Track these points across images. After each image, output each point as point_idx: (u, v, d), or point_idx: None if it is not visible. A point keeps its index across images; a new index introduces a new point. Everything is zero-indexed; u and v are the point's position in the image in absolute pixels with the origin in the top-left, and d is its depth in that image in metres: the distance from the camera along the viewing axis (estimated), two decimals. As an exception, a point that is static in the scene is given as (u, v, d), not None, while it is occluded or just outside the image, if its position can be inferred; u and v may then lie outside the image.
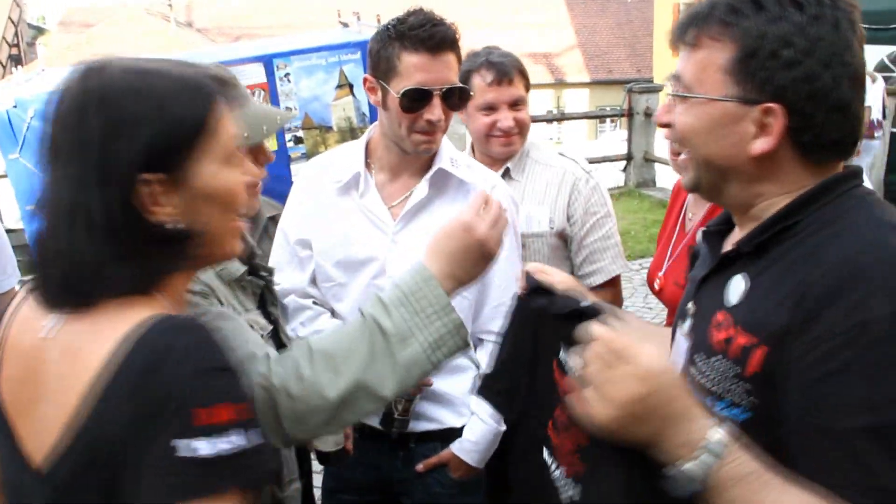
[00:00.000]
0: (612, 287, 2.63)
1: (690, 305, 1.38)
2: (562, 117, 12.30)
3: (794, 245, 1.19)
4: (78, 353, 1.10)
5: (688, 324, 1.38)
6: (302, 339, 2.09)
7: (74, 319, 1.14)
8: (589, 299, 1.38)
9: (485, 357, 2.20)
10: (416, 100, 1.97)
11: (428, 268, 1.41)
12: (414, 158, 2.11)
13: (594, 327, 1.15)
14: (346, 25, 6.29)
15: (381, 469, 2.22)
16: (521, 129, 2.57)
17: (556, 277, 1.55)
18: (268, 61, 5.36)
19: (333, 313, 2.21)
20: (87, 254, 1.12)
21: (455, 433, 2.18)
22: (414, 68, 1.96)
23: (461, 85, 2.04)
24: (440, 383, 2.15)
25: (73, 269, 1.13)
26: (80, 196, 1.12)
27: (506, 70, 2.52)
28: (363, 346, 1.36)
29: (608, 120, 26.25)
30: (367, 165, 2.16)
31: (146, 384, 1.03)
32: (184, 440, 1.00)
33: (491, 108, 2.54)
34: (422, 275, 1.40)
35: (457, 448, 2.16)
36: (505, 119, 2.53)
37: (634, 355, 1.11)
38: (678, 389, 1.12)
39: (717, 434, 1.08)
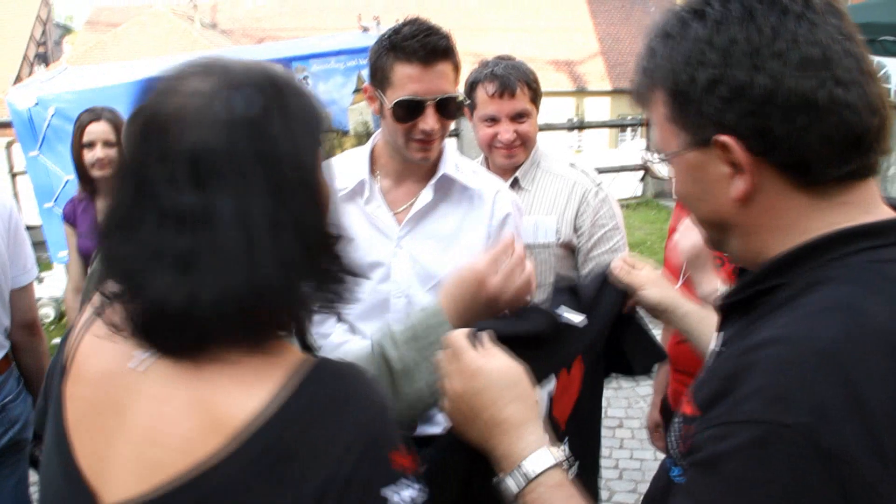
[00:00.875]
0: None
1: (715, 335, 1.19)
2: (581, 126, 12.25)
3: (767, 313, 0.98)
4: (204, 403, 0.97)
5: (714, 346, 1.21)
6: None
7: (179, 361, 1.00)
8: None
9: None
10: (408, 110, 1.99)
11: (441, 308, 1.41)
12: (417, 165, 2.12)
13: (453, 334, 1.25)
14: (366, 30, 6.33)
15: None
16: (524, 141, 2.59)
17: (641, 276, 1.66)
18: (286, 64, 5.41)
19: (339, 318, 2.22)
20: (283, 274, 0.98)
21: (426, 441, 2.15)
22: (407, 79, 1.97)
23: (454, 94, 2.04)
24: None
25: (271, 299, 0.97)
26: (275, 205, 0.97)
27: (507, 83, 2.53)
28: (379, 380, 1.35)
29: (629, 129, 26.16)
30: (372, 172, 2.18)
31: (332, 433, 0.93)
32: (391, 488, 0.94)
33: (493, 120, 2.58)
34: (436, 317, 1.40)
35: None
36: (505, 132, 2.56)
37: (469, 356, 1.19)
38: (511, 397, 1.16)
39: (538, 457, 1.10)
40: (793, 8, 0.96)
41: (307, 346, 1.72)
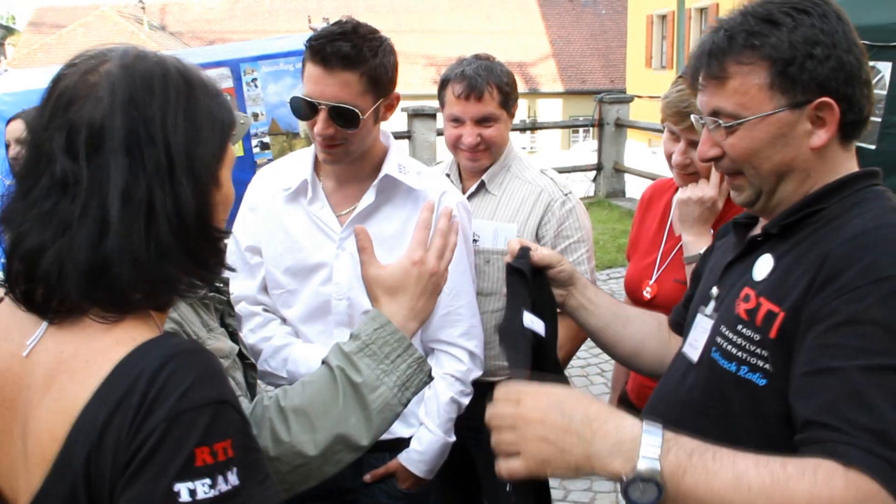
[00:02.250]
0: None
1: (715, 290, 1.52)
2: (533, 127, 12.35)
3: (817, 228, 1.33)
4: (70, 377, 1.01)
5: (711, 305, 1.51)
6: (251, 349, 2.08)
7: (62, 335, 1.05)
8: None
9: (436, 367, 2.18)
10: (301, 109, 1.98)
11: (380, 312, 1.42)
12: (357, 168, 2.10)
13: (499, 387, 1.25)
14: (315, 31, 6.30)
15: (327, 479, 2.20)
16: (489, 146, 2.48)
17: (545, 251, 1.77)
18: (235, 66, 5.33)
19: (284, 321, 2.20)
20: (152, 251, 1.03)
21: (404, 443, 2.16)
22: (307, 78, 1.96)
23: (350, 106, 1.94)
24: None
25: (132, 269, 1.02)
26: (159, 188, 1.04)
27: (474, 85, 2.41)
28: (337, 400, 1.35)
29: (581, 130, 26.43)
30: (317, 173, 2.15)
31: (144, 420, 0.95)
32: (186, 483, 0.94)
33: (458, 121, 2.48)
34: (377, 321, 1.40)
35: (404, 458, 2.14)
36: (468, 135, 2.45)
37: (526, 387, 1.24)
38: (583, 397, 1.20)
39: (650, 425, 1.13)
40: (847, 18, 1.36)
41: (244, 356, 1.70)
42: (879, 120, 8.10)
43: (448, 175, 2.61)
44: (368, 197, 2.09)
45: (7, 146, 3.51)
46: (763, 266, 1.39)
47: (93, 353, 1.01)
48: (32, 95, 5.28)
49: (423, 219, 1.51)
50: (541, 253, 1.75)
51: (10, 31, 36.40)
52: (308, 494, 2.17)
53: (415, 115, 10.08)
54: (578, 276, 1.82)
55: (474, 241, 2.43)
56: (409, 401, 1.41)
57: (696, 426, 1.23)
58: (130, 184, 1.02)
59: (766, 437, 1.20)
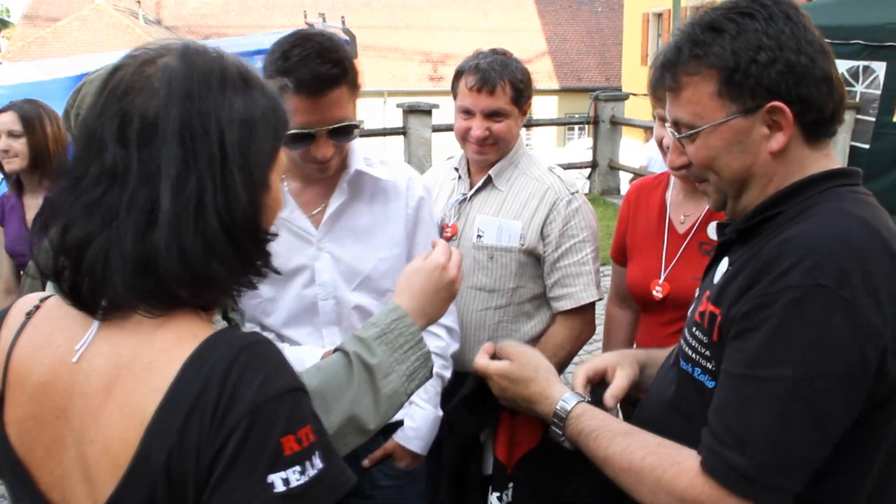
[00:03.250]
0: (581, 314, 2.52)
1: (697, 292, 1.56)
2: (529, 124, 12.36)
3: (770, 232, 1.33)
4: (134, 380, 0.99)
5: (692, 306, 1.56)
6: None
7: (114, 337, 1.03)
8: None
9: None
10: (298, 141, 1.92)
11: (399, 304, 1.46)
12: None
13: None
14: (311, 27, 6.30)
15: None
16: (497, 141, 2.46)
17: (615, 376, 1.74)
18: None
19: (263, 328, 2.17)
20: (200, 245, 1.01)
21: (395, 425, 2.19)
22: (295, 111, 1.81)
23: (349, 121, 1.94)
24: None
25: (179, 262, 1.00)
26: (210, 182, 1.02)
27: (487, 78, 2.40)
28: (351, 383, 1.38)
29: (576, 127, 26.43)
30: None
31: (224, 416, 0.94)
32: (279, 473, 0.95)
33: (468, 113, 2.46)
34: (396, 312, 1.45)
35: (400, 437, 2.17)
36: (477, 128, 2.43)
37: (491, 372, 1.70)
38: (528, 377, 1.64)
39: (563, 404, 1.54)
40: (802, 13, 1.35)
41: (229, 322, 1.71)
42: (873, 119, 8.13)
43: (457, 169, 2.61)
44: (340, 195, 2.09)
45: None
46: (721, 270, 1.42)
47: (154, 353, 1.00)
48: (26, 88, 5.30)
49: (443, 242, 1.58)
50: (618, 387, 1.68)
51: (4, 23, 36.24)
52: None
53: (410, 111, 10.06)
54: (643, 371, 1.74)
55: (479, 236, 2.46)
56: (413, 392, 1.44)
57: (671, 424, 1.41)
58: (182, 175, 1.00)
59: None
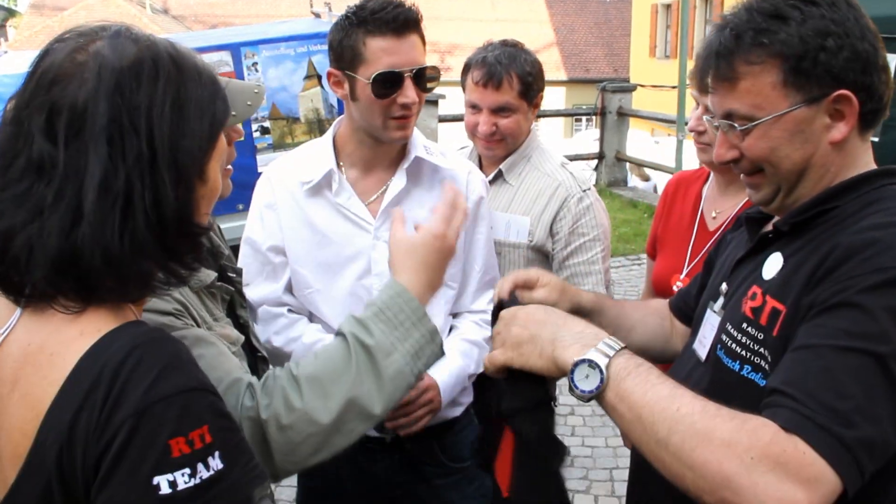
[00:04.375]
0: None
1: (724, 286, 1.49)
2: (536, 115, 12.34)
3: (830, 227, 1.29)
4: (35, 371, 0.98)
5: (720, 302, 1.49)
6: (278, 352, 2.05)
7: (32, 325, 1.01)
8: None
9: (455, 334, 2.17)
10: (387, 84, 1.91)
11: (399, 282, 1.43)
12: (387, 150, 2.06)
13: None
14: (317, 16, 6.27)
15: (377, 475, 2.17)
16: (505, 136, 2.41)
17: (541, 287, 1.65)
18: (235, 50, 5.31)
19: (311, 318, 2.14)
20: (126, 245, 0.99)
21: (448, 425, 2.16)
22: (382, 52, 1.89)
23: (430, 65, 1.97)
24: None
25: (103, 262, 0.98)
26: (138, 181, 1.00)
27: (493, 73, 2.34)
28: (349, 366, 1.34)
29: (584, 119, 26.33)
30: (338, 162, 2.08)
31: (110, 416, 0.92)
32: (164, 476, 0.92)
33: (476, 108, 2.42)
34: (394, 289, 1.41)
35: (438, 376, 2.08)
36: (484, 123, 2.39)
37: (520, 309, 1.42)
38: (561, 313, 1.38)
39: (605, 334, 1.27)
40: (857, 3, 1.32)
41: (253, 349, 1.67)
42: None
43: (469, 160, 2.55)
44: (399, 182, 2.05)
45: None
46: (773, 265, 1.36)
47: (57, 345, 0.99)
48: (31, 77, 5.29)
49: (447, 197, 1.53)
50: (530, 298, 1.61)
51: (11, 13, 36.27)
52: (350, 493, 2.16)
53: (417, 101, 10.02)
54: (581, 304, 1.70)
55: None
56: (420, 372, 1.40)
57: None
58: (109, 174, 0.98)
59: None
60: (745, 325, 1.33)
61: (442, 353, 1.45)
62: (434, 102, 10.07)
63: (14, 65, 6.14)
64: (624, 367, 1.19)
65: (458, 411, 2.19)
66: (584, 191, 2.44)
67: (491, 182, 2.47)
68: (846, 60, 1.26)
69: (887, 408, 1.08)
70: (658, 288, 2.39)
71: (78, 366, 0.95)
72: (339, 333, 1.40)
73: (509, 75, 2.34)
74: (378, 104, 1.92)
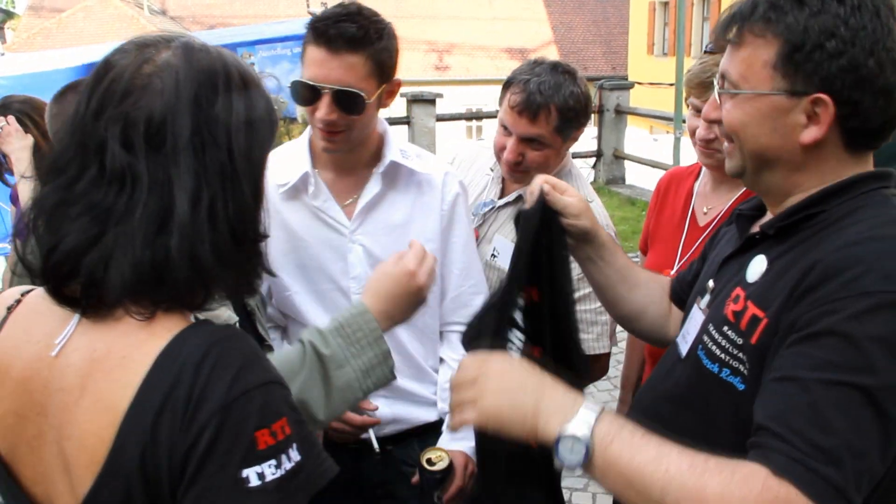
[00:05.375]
0: (593, 362, 2.23)
1: (711, 283, 1.48)
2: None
3: (815, 233, 1.27)
4: (107, 376, 0.98)
5: (706, 299, 1.47)
6: None
7: (92, 332, 1.02)
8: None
9: (449, 351, 2.19)
10: (303, 94, 1.88)
11: (364, 303, 1.47)
12: (356, 156, 2.04)
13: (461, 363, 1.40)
14: (315, 15, 6.27)
15: (360, 474, 2.17)
16: (529, 169, 2.22)
17: (567, 199, 1.65)
18: (232, 50, 5.29)
19: (287, 329, 2.16)
20: (214, 254, 1.02)
21: (427, 427, 2.17)
22: (310, 61, 1.86)
23: (356, 90, 1.85)
24: (410, 384, 2.14)
25: (191, 270, 1.01)
26: (221, 191, 1.03)
27: (530, 103, 2.15)
28: (303, 370, 1.39)
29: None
30: (314, 164, 2.07)
31: (196, 412, 0.93)
32: (253, 468, 0.94)
33: (507, 130, 2.25)
34: (358, 309, 1.46)
35: (447, 443, 2.08)
36: (510, 151, 2.22)
37: (488, 357, 1.38)
38: (533, 368, 1.31)
39: (587, 399, 1.23)
40: (892, 19, 1.24)
41: (259, 336, 1.70)
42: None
43: (492, 170, 2.47)
44: (374, 185, 2.04)
45: None
46: (756, 267, 1.34)
47: (127, 348, 0.99)
48: (27, 79, 5.28)
49: (420, 245, 1.57)
50: (557, 198, 1.63)
51: (9, 14, 36.22)
52: (333, 493, 2.15)
53: (414, 100, 10.03)
54: (598, 233, 1.69)
55: (493, 256, 2.35)
56: (370, 390, 1.44)
57: (677, 419, 1.32)
58: (197, 185, 1.01)
59: (740, 441, 1.18)
60: (725, 329, 1.32)
61: (392, 377, 1.48)
62: (431, 101, 10.06)
63: (11, 67, 6.13)
64: (607, 433, 1.17)
65: (435, 415, 2.20)
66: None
67: (509, 203, 2.37)
68: (840, 69, 1.22)
69: (875, 440, 1.08)
70: None
71: (154, 367, 0.96)
72: (300, 341, 1.44)
73: (547, 109, 2.16)
74: (307, 110, 1.92)
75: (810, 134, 1.26)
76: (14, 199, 3.67)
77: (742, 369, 1.27)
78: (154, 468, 0.94)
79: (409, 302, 1.51)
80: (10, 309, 1.11)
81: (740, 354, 1.28)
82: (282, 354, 1.42)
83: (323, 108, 1.86)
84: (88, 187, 1.00)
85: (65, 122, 1.05)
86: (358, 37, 1.82)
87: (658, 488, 1.10)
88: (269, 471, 0.95)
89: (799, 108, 1.25)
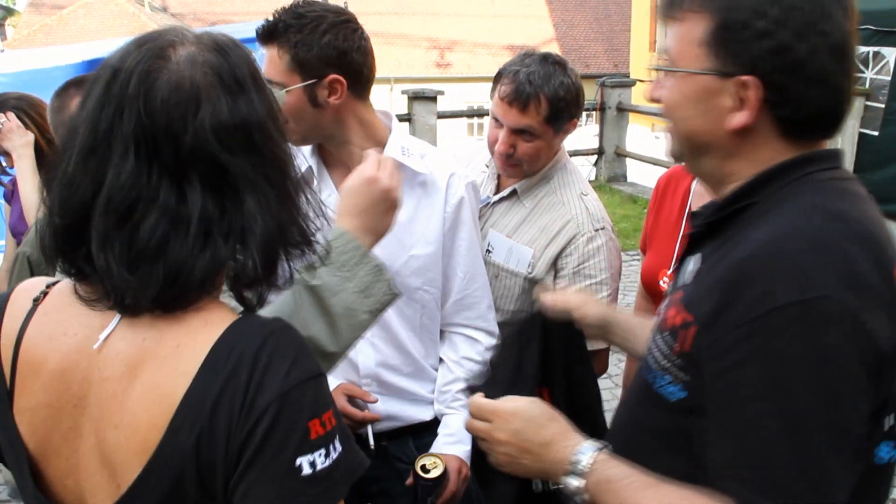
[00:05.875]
0: (592, 360, 2.19)
1: (670, 286, 1.45)
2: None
3: (741, 228, 1.19)
4: (161, 363, 0.99)
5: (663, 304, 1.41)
6: None
7: (137, 322, 1.02)
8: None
9: (449, 351, 2.18)
10: None
11: (337, 226, 1.44)
12: (355, 150, 2.00)
13: (471, 401, 1.42)
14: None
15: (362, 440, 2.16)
16: (521, 161, 2.24)
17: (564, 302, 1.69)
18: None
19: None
20: (274, 255, 1.10)
21: (423, 426, 2.17)
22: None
23: (272, 82, 1.84)
24: (406, 383, 2.14)
25: (263, 272, 1.07)
26: (270, 188, 1.07)
27: (520, 93, 2.15)
28: (298, 310, 1.38)
29: (584, 114, 26.28)
30: (321, 159, 2.08)
31: (255, 399, 0.95)
32: (306, 457, 0.96)
33: (498, 122, 2.24)
34: (334, 233, 1.42)
35: (442, 447, 2.10)
36: (502, 143, 2.22)
37: (500, 406, 1.37)
38: (544, 420, 1.34)
39: (584, 447, 1.26)
40: (835, 2, 1.15)
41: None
42: (883, 106, 8.06)
43: (488, 167, 2.47)
44: None
45: None
46: (690, 267, 1.30)
47: (181, 337, 1.00)
48: (27, 76, 5.28)
49: (373, 152, 1.55)
50: (555, 307, 1.66)
51: (9, 11, 36.22)
52: None
53: (415, 97, 10.00)
54: (613, 317, 1.68)
55: (488, 251, 2.33)
56: (376, 311, 1.43)
57: (631, 433, 1.33)
58: (260, 187, 1.05)
59: (671, 450, 1.20)
60: (664, 335, 1.25)
61: (395, 293, 1.47)
62: (433, 98, 10.04)
63: (11, 64, 6.13)
64: (597, 485, 1.22)
65: (430, 414, 2.19)
66: (598, 230, 2.25)
67: (504, 197, 2.37)
68: (767, 51, 1.13)
69: (833, 454, 1.03)
70: (646, 283, 2.37)
71: (211, 354, 0.98)
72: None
73: (537, 98, 2.15)
74: None
75: (737, 119, 1.18)
76: (8, 196, 3.67)
77: (678, 378, 1.20)
78: (209, 454, 0.95)
79: (382, 209, 1.48)
80: (36, 301, 1.11)
81: (675, 361, 1.20)
82: (274, 304, 1.39)
83: None
84: (199, 205, 1.01)
85: (84, 115, 1.03)
86: (273, 30, 1.87)
87: None
88: (320, 460, 0.97)
89: (727, 91, 1.18)
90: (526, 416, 1.34)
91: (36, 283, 1.15)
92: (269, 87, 1.11)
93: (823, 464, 1.03)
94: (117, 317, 1.03)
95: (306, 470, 0.96)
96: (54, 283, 1.13)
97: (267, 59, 1.87)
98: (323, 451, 0.98)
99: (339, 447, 1.00)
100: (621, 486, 1.18)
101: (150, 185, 0.99)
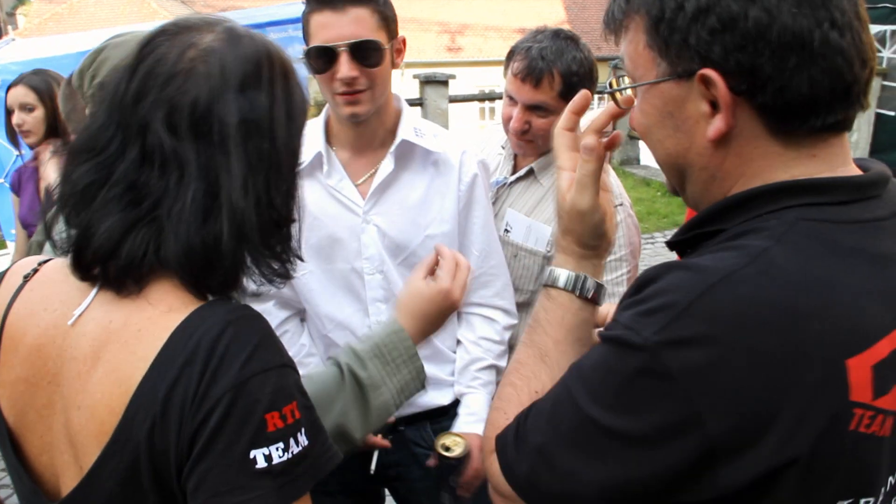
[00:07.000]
0: None
1: None
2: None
3: (701, 255, 0.98)
4: (122, 347, 0.98)
5: None
6: None
7: (110, 304, 1.02)
8: None
9: (467, 332, 2.19)
10: (320, 59, 1.87)
11: (400, 323, 1.48)
12: (370, 131, 2.02)
13: None
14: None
15: (368, 455, 2.16)
16: (536, 137, 2.23)
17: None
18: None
19: (302, 320, 2.16)
20: (258, 243, 1.06)
21: (441, 410, 2.17)
22: (319, 27, 1.86)
23: (371, 39, 1.86)
24: (426, 367, 2.12)
25: (237, 255, 1.04)
26: (266, 179, 1.05)
27: (534, 68, 2.13)
28: (342, 395, 1.40)
29: (596, 96, 26.13)
30: (329, 144, 2.07)
31: (208, 389, 0.93)
32: (261, 450, 0.94)
33: (512, 100, 2.24)
34: (392, 327, 1.47)
35: (464, 426, 2.10)
36: (516, 120, 2.21)
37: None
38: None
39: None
40: None
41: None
42: (900, 85, 7.94)
43: (503, 148, 2.47)
44: (387, 165, 2.02)
45: (10, 112, 3.48)
46: None
47: (144, 321, 0.99)
48: (38, 64, 5.28)
49: (452, 254, 1.56)
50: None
51: (21, 1, 36.30)
52: (344, 475, 2.16)
53: (427, 81, 9.99)
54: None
55: (507, 230, 2.33)
56: (401, 404, 1.47)
57: None
58: (247, 174, 1.02)
59: None
60: None
61: (422, 388, 1.51)
62: (444, 83, 10.01)
63: (23, 52, 6.14)
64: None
65: (449, 398, 2.19)
66: (616, 206, 2.15)
67: (521, 177, 2.37)
68: (711, 31, 0.91)
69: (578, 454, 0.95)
70: None
71: (170, 341, 0.96)
72: (336, 363, 1.45)
73: (550, 73, 2.14)
74: (322, 80, 1.91)
75: (715, 127, 0.95)
76: (16, 187, 3.69)
77: None
78: (162, 442, 0.94)
79: (443, 318, 1.52)
80: (26, 277, 1.12)
81: None
82: (318, 378, 1.41)
83: (343, 66, 1.86)
84: (130, 169, 1.01)
85: (102, 101, 1.05)
86: None
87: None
88: (277, 454, 0.94)
89: (694, 95, 0.95)
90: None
91: (30, 261, 1.16)
92: (281, 86, 1.09)
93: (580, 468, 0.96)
94: (92, 293, 1.03)
95: (261, 463, 0.93)
96: (46, 261, 1.14)
97: (356, 20, 1.85)
98: (281, 445, 0.95)
99: (303, 441, 0.97)
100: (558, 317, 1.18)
101: (104, 137, 1.03)
